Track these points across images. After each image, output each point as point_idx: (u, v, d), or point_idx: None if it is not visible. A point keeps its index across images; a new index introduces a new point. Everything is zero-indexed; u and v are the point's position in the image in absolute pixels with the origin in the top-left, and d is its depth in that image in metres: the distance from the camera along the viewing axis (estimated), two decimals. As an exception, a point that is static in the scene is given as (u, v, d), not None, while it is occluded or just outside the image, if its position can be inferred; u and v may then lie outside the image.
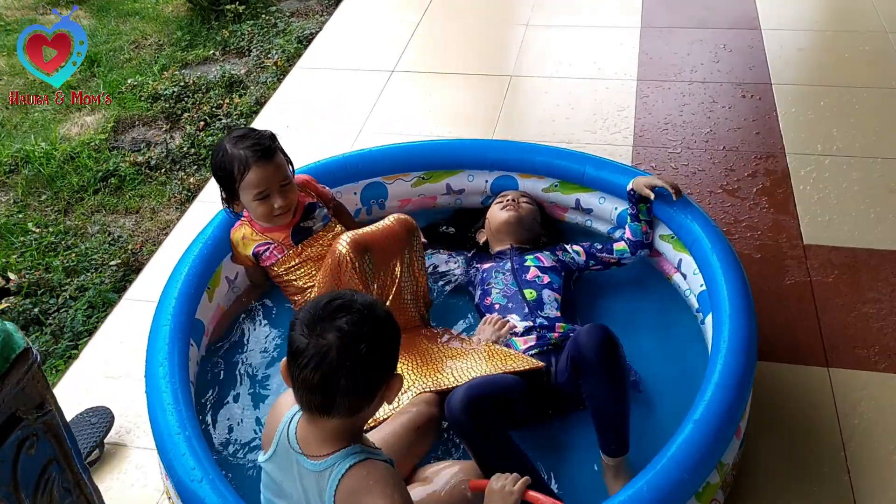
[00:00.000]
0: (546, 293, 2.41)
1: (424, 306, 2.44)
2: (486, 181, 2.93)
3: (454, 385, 2.03)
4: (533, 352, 2.24)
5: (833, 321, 2.60)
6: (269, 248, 2.55)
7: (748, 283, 2.26)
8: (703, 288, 2.34)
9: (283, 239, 2.54)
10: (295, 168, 2.63)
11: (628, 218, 2.60)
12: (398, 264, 2.34)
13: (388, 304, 2.31)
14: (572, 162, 2.80)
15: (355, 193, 2.92)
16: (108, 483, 2.26)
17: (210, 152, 3.74)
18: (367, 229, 2.34)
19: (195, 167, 3.70)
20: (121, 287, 2.99)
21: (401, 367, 2.13)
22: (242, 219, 2.59)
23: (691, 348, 2.39)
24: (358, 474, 1.52)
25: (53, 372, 2.65)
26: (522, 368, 2.12)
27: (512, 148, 2.93)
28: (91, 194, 3.58)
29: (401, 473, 1.92)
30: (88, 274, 3.07)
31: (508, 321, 2.34)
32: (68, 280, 3.05)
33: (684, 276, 2.50)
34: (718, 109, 3.72)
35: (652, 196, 2.51)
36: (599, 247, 2.62)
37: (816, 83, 3.91)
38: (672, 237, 2.54)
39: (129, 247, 3.22)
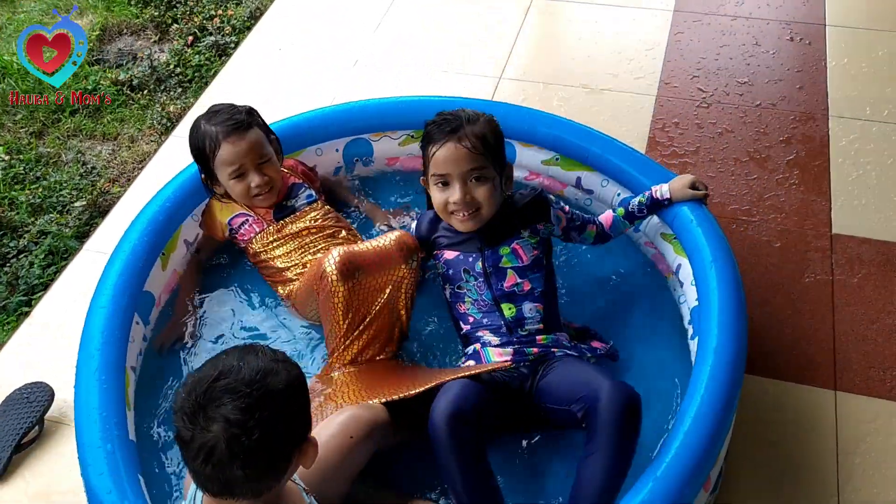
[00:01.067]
0: (527, 307, 2.04)
1: (397, 343, 2.15)
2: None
3: (398, 396, 1.83)
4: (506, 367, 1.98)
5: (851, 333, 2.31)
6: (247, 221, 2.36)
7: (746, 326, 1.95)
8: (697, 304, 2.06)
9: (265, 214, 2.36)
10: (281, 143, 2.42)
11: (623, 211, 2.24)
12: (383, 295, 2.05)
13: (354, 339, 2.05)
14: (579, 139, 2.46)
15: (337, 150, 2.65)
16: (47, 463, 2.15)
17: (196, 74, 3.48)
18: (361, 246, 2.07)
19: (179, 90, 3.43)
20: (84, 233, 2.80)
21: (348, 394, 1.93)
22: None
23: (676, 360, 2.14)
24: None
25: (3, 329, 2.51)
26: (486, 370, 1.90)
27: (513, 113, 2.57)
28: (68, 116, 3.34)
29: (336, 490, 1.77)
30: (53, 214, 2.88)
31: None
32: (31, 220, 2.86)
33: (681, 284, 2.21)
34: (760, 55, 3.29)
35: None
36: (577, 224, 2.20)
37: (878, 27, 3.42)
38: (674, 238, 2.24)
39: (100, 183, 3.01)
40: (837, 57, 3.24)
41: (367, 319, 2.04)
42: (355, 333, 2.05)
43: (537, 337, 2.03)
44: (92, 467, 1.76)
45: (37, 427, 2.19)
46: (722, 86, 3.16)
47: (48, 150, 3.19)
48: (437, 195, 2.05)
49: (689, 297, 2.14)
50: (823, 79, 3.15)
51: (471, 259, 2.08)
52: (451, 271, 2.11)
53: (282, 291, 2.31)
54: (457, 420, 1.70)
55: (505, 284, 2.05)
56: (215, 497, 1.35)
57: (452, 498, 1.77)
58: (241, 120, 2.26)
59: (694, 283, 2.10)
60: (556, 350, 2.01)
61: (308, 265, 2.26)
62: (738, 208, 2.68)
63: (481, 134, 2.01)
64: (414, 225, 2.23)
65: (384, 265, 2.03)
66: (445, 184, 2.02)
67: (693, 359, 1.98)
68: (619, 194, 2.40)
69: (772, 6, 3.52)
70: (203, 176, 2.36)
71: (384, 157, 2.69)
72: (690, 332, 2.12)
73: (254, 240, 2.35)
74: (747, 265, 2.47)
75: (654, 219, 2.31)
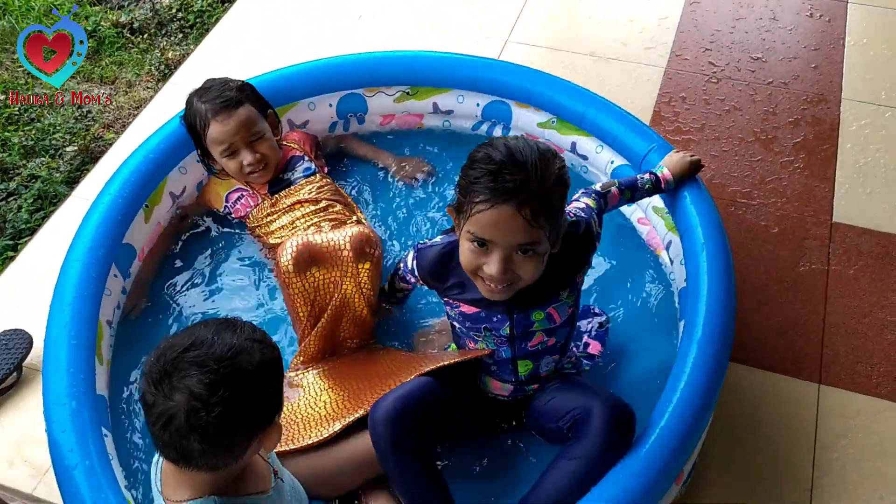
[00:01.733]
0: (545, 361, 1.85)
1: (367, 332, 2.11)
2: (478, 104, 2.55)
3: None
4: (502, 398, 1.92)
5: (841, 325, 2.26)
6: (243, 196, 2.34)
7: (733, 320, 1.90)
8: (685, 285, 2.01)
9: (260, 188, 2.34)
10: (279, 118, 2.40)
11: (629, 194, 1.99)
12: (339, 291, 2.02)
13: (316, 334, 2.03)
14: (574, 100, 2.39)
15: (331, 105, 2.59)
16: (23, 409, 2.15)
17: (198, 20, 3.41)
18: (317, 238, 2.03)
19: (180, 35, 3.36)
20: (74, 179, 2.78)
21: (330, 397, 1.91)
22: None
23: (664, 344, 2.10)
24: None
25: (-11, 272, 2.50)
26: (464, 358, 1.85)
27: (510, 71, 2.52)
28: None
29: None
30: (44, 157, 2.85)
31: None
32: (23, 163, 2.83)
33: (671, 261, 2.17)
34: (777, 30, 3.18)
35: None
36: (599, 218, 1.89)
37: (903, 6, 3.30)
38: (666, 213, 2.18)
39: (94, 128, 2.97)
40: (857, 37, 3.13)
41: (325, 315, 2.01)
42: (317, 328, 2.02)
43: (543, 374, 1.89)
44: (56, 424, 1.75)
45: (14, 374, 2.19)
46: (734, 61, 3.06)
47: (44, 90, 3.15)
48: (467, 252, 1.62)
49: (678, 276, 2.09)
50: (840, 59, 3.05)
51: (495, 319, 1.77)
52: (468, 324, 1.82)
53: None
54: (397, 422, 1.63)
55: (529, 344, 1.81)
56: (172, 464, 1.34)
57: (400, 497, 1.73)
58: (230, 97, 2.21)
59: (683, 262, 2.04)
60: (553, 377, 1.91)
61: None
62: (738, 190, 2.61)
63: (548, 197, 1.54)
64: (410, 258, 1.87)
65: (336, 263, 2.00)
66: (483, 245, 1.58)
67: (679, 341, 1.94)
68: (612, 161, 2.34)
69: (794, -21, 3.40)
70: (199, 152, 2.33)
71: (378, 113, 2.63)
72: (678, 311, 2.08)
73: (249, 215, 2.32)
74: (742, 250, 2.42)
75: None
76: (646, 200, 2.26)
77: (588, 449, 1.63)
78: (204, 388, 1.23)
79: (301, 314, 2.02)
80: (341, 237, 2.02)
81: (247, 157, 2.24)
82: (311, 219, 2.24)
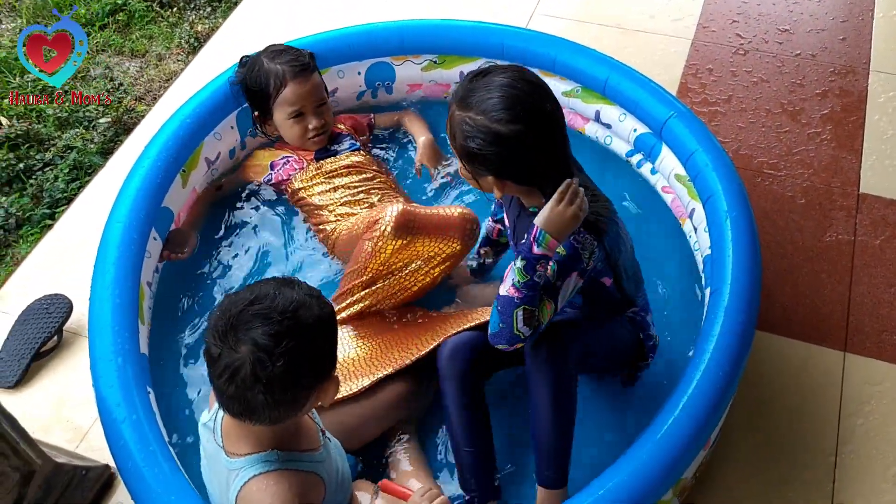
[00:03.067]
0: None
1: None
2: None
3: (416, 355, 1.87)
4: None
5: (866, 296, 2.28)
6: (288, 161, 2.39)
7: (759, 288, 1.91)
8: (710, 252, 2.03)
9: (305, 154, 2.39)
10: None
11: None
12: (419, 263, 2.03)
13: (368, 294, 2.05)
14: (597, 66, 2.40)
15: (359, 73, 2.61)
16: (63, 372, 2.22)
17: (226, -6, 3.43)
18: (424, 209, 2.04)
19: (209, 9, 3.40)
20: (108, 150, 2.83)
21: (358, 354, 1.97)
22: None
23: (688, 312, 2.12)
24: (257, 487, 1.40)
25: (27, 241, 2.56)
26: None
27: (535, 39, 2.52)
28: (97, 30, 3.33)
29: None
30: (79, 129, 2.90)
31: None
32: (58, 134, 2.89)
33: (695, 229, 2.18)
34: (804, 2, 3.16)
35: None
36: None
37: (934, -23, 3.26)
38: (688, 180, 2.20)
39: (126, 100, 3.02)
40: (886, 8, 3.11)
41: (391, 278, 2.03)
42: (372, 287, 2.05)
43: None
44: (102, 379, 1.81)
45: (55, 337, 2.26)
46: (762, 32, 3.05)
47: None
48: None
49: (702, 243, 2.11)
50: (868, 31, 3.03)
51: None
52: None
53: (323, 228, 2.28)
54: (454, 358, 1.76)
55: None
56: (234, 418, 1.39)
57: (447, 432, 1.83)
58: (307, 62, 2.30)
59: (707, 229, 2.06)
60: None
61: (347, 206, 2.26)
62: (765, 161, 2.62)
63: None
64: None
65: (442, 234, 2.00)
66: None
67: (705, 311, 1.96)
68: (635, 129, 2.35)
69: (823, -50, 3.37)
70: (256, 114, 2.37)
71: (405, 83, 2.65)
72: (703, 279, 2.10)
73: (294, 177, 2.35)
74: (768, 220, 2.43)
75: (670, 158, 2.26)
76: (668, 168, 2.27)
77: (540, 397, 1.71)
78: (269, 339, 1.28)
79: (370, 268, 2.01)
80: (452, 211, 2.03)
81: (313, 122, 2.31)
82: (358, 186, 2.28)
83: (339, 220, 2.25)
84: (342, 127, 2.48)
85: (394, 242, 1.98)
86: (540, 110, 1.57)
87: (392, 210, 1.97)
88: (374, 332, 2.04)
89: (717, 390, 1.73)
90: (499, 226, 2.10)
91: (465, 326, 1.87)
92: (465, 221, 2.01)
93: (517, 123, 1.54)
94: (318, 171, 2.34)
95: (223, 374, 1.30)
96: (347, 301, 2.07)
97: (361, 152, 2.40)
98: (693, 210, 2.18)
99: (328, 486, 1.50)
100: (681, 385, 1.73)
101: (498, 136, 1.55)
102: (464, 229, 2.01)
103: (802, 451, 1.99)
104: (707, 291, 2.01)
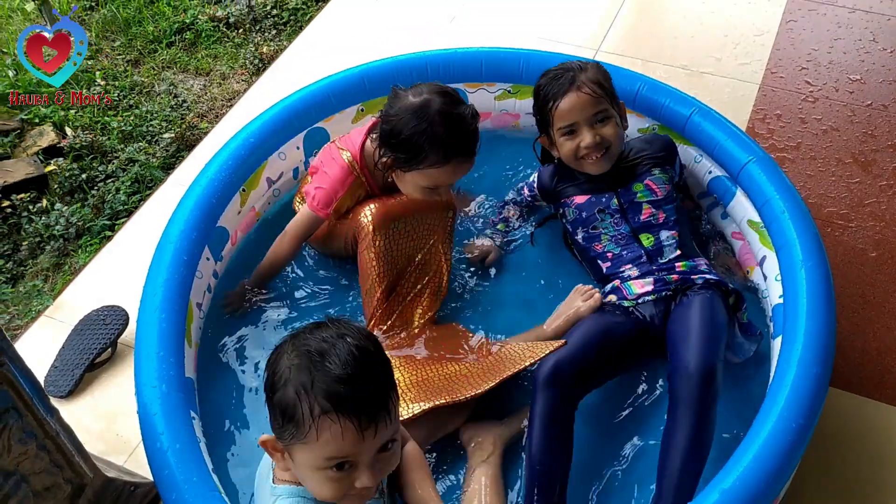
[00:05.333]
0: (664, 235, 2.09)
1: (439, 302, 2.15)
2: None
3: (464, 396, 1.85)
4: (650, 297, 2.02)
5: (941, 355, 2.19)
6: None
7: (833, 339, 1.85)
8: (781, 301, 1.97)
9: (380, 191, 2.23)
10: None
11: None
12: (425, 246, 2.10)
13: (394, 299, 2.10)
14: (679, 105, 2.36)
15: (433, 99, 2.59)
16: (116, 385, 2.21)
17: (292, 17, 3.47)
18: (394, 200, 2.09)
19: (274, 31, 3.43)
20: (169, 164, 2.85)
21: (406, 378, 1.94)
22: (353, 163, 2.16)
23: (754, 361, 2.06)
24: None
25: (87, 251, 2.57)
26: (539, 357, 1.88)
27: (616, 74, 2.47)
28: (164, 47, 3.38)
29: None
30: (142, 143, 2.93)
31: (597, 293, 2.09)
32: (121, 147, 2.92)
33: (765, 277, 2.12)
34: (877, 51, 3.11)
35: None
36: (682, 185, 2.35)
37: None
38: (762, 227, 2.14)
39: (189, 117, 3.05)
40: (961, 62, 3.04)
41: (409, 272, 2.07)
42: (396, 291, 2.07)
43: (676, 264, 2.06)
44: (147, 407, 1.78)
45: (109, 349, 2.25)
46: (832, 81, 3.00)
47: (142, 79, 3.24)
48: (566, 145, 2.10)
49: (772, 292, 2.05)
50: (943, 84, 2.97)
51: (604, 199, 2.15)
52: (584, 214, 2.16)
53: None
54: (554, 381, 1.79)
55: (642, 217, 2.11)
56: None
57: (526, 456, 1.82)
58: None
59: (779, 278, 2.00)
60: (695, 277, 2.02)
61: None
62: (834, 211, 2.55)
63: (596, 79, 2.08)
64: (535, 176, 2.33)
65: (421, 211, 2.07)
66: (572, 132, 2.08)
67: (774, 360, 1.89)
68: (710, 171, 2.31)
69: (895, 1, 3.32)
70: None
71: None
72: (772, 329, 2.04)
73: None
74: (838, 272, 2.36)
75: (743, 203, 2.21)
76: (740, 214, 2.23)
77: (682, 413, 1.76)
78: (357, 344, 1.30)
79: (377, 275, 2.04)
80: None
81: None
82: None
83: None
84: None
85: (384, 233, 2.03)
86: None
87: (366, 211, 2.05)
88: (416, 358, 2.03)
89: (791, 443, 1.65)
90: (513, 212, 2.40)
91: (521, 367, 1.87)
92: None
93: None
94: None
95: (342, 364, 1.28)
96: (376, 317, 2.09)
97: None
98: (764, 257, 2.12)
99: None
100: (751, 433, 1.66)
101: None
102: (441, 205, 2.11)
103: (873, 515, 1.90)
104: (777, 341, 1.95)
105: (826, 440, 2.01)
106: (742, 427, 1.83)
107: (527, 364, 1.87)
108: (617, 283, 2.08)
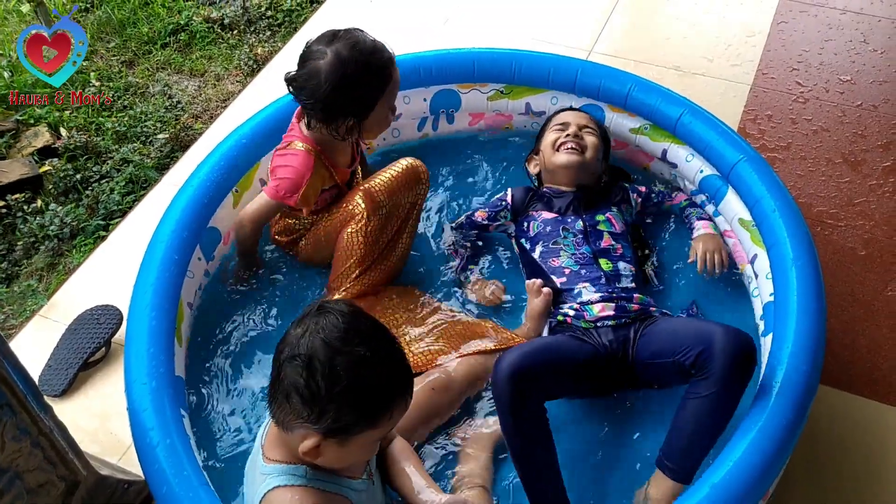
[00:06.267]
0: (622, 265, 2.14)
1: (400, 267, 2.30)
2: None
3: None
4: (609, 322, 1.99)
5: (930, 353, 2.21)
6: (329, 190, 2.27)
7: (823, 336, 1.87)
8: (772, 299, 1.99)
9: (342, 178, 2.27)
10: None
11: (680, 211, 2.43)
12: (404, 218, 2.21)
13: (370, 267, 2.20)
14: (671, 105, 2.38)
15: (425, 100, 2.60)
16: (109, 384, 2.22)
17: (286, 18, 3.48)
18: (376, 181, 2.16)
19: (269, 33, 3.44)
20: (164, 165, 2.86)
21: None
22: (309, 150, 2.14)
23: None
24: (280, 499, 1.38)
25: (81, 250, 2.58)
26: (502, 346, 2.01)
27: (608, 75, 2.49)
28: (159, 49, 3.39)
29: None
30: (136, 143, 2.94)
31: (547, 288, 2.09)
32: (116, 147, 2.93)
33: (756, 275, 2.14)
34: (867, 53, 3.13)
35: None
36: (655, 199, 2.43)
37: None
38: (753, 225, 2.16)
39: (184, 118, 3.06)
40: (951, 63, 3.07)
41: (388, 243, 2.19)
42: (374, 260, 2.17)
43: (634, 294, 2.07)
44: (137, 403, 1.79)
45: (103, 348, 2.26)
46: (822, 81, 3.02)
47: (137, 80, 3.25)
48: (550, 136, 2.35)
49: (763, 290, 2.07)
50: (933, 84, 2.99)
51: (569, 220, 2.25)
52: (548, 228, 2.24)
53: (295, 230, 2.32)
54: (518, 378, 1.74)
55: (602, 243, 2.18)
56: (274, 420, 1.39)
57: (510, 452, 1.81)
58: None
59: (770, 276, 2.02)
60: (653, 309, 2.05)
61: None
62: (824, 210, 2.58)
63: (597, 121, 2.44)
64: (507, 192, 2.41)
65: (405, 186, 2.16)
66: (561, 129, 2.34)
67: (765, 358, 1.91)
68: (701, 170, 2.33)
69: (885, 3, 3.35)
70: (354, 108, 2.12)
71: (469, 112, 2.64)
72: (762, 327, 2.06)
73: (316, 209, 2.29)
74: (828, 271, 2.38)
75: (734, 202, 2.23)
76: (731, 212, 2.25)
77: (714, 384, 1.72)
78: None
79: (360, 256, 2.14)
80: (402, 165, 2.18)
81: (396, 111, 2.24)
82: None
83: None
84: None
85: (376, 219, 2.11)
86: None
87: (357, 199, 2.11)
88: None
89: (780, 439, 1.67)
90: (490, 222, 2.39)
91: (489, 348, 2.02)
92: (417, 166, 2.19)
93: None
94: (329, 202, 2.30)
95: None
96: (346, 286, 2.18)
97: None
98: (755, 256, 2.14)
99: None
100: (741, 429, 1.68)
101: None
102: (418, 171, 2.19)
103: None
104: (767, 339, 1.96)
105: (815, 437, 2.02)
106: (732, 423, 1.84)
107: (491, 346, 2.03)
108: (576, 305, 2.05)
